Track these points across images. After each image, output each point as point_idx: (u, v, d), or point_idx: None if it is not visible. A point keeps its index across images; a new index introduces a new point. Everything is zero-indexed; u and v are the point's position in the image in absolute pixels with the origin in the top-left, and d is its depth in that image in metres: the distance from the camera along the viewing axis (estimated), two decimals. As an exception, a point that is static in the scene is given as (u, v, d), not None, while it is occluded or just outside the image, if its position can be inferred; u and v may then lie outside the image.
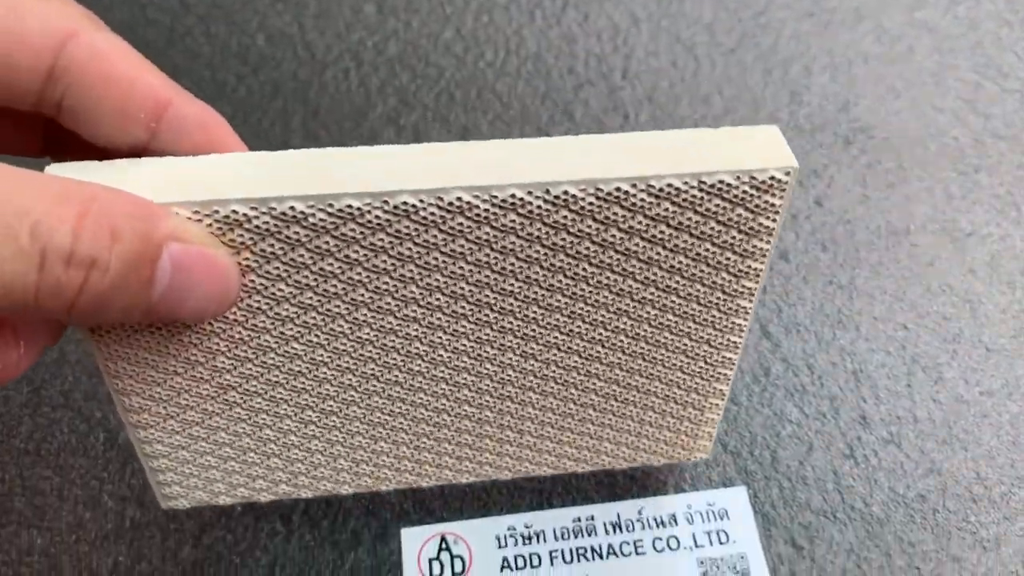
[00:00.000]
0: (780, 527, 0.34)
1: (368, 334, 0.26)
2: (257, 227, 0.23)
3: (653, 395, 0.30)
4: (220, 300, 0.23)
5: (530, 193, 0.23)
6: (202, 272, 0.22)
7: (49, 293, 0.19)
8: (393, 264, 0.24)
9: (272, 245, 0.23)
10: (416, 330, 0.26)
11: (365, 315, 0.26)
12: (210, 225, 0.23)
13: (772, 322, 0.39)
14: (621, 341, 0.28)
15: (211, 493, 0.30)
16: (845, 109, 0.46)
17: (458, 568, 0.33)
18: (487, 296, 0.26)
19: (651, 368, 0.29)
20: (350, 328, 0.26)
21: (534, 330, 0.27)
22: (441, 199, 0.23)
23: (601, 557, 0.33)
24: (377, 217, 0.23)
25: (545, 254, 0.25)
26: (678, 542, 0.33)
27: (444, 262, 0.24)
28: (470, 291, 0.25)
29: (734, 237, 0.25)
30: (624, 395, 0.30)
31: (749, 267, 0.26)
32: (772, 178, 0.24)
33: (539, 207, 0.23)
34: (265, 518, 0.34)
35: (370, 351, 0.27)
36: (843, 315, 0.39)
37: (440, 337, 0.27)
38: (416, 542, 0.33)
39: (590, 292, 0.26)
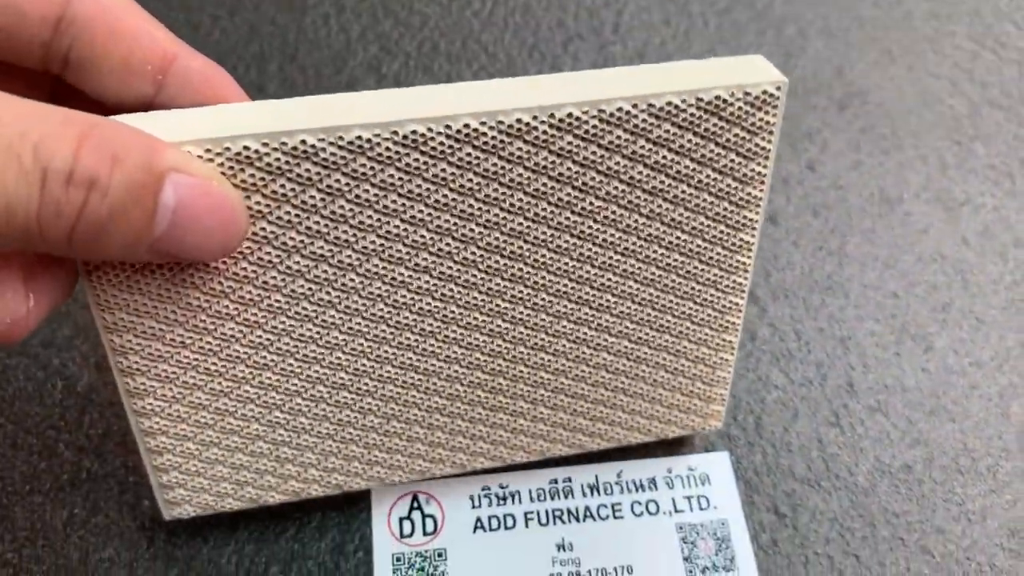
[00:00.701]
0: (763, 494, 0.33)
1: (379, 288, 0.26)
2: (268, 164, 0.23)
3: (664, 350, 0.30)
4: (226, 237, 0.22)
5: (535, 118, 0.24)
6: (207, 206, 0.21)
7: (50, 215, 0.19)
8: (403, 205, 0.24)
9: (283, 186, 0.23)
10: (427, 283, 0.26)
11: (376, 266, 0.25)
12: (220, 165, 0.22)
13: (760, 286, 0.38)
14: (630, 287, 0.28)
15: (217, 495, 0.29)
16: (840, 73, 0.45)
17: (429, 528, 0.31)
18: (497, 239, 0.26)
19: (661, 318, 0.29)
20: (361, 283, 0.25)
21: (545, 278, 0.27)
22: (449, 127, 0.23)
23: (578, 520, 0.32)
24: (387, 149, 0.23)
25: (552, 187, 0.25)
26: (657, 506, 0.32)
27: (454, 200, 0.25)
28: (480, 233, 0.25)
29: (733, 161, 0.26)
30: (636, 352, 0.29)
31: (750, 195, 0.27)
32: (765, 92, 0.25)
33: (545, 132, 0.24)
34: (229, 472, 0.32)
35: (382, 310, 0.26)
36: (832, 281, 0.38)
37: (452, 290, 0.26)
38: (387, 501, 0.32)
39: (598, 230, 0.26)
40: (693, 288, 0.28)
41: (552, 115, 0.24)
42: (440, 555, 0.31)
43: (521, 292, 0.27)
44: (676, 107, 0.24)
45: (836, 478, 0.33)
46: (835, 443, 0.34)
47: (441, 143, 0.23)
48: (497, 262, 0.26)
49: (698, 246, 0.27)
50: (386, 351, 0.27)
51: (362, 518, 0.32)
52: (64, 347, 0.35)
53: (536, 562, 0.31)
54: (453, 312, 0.27)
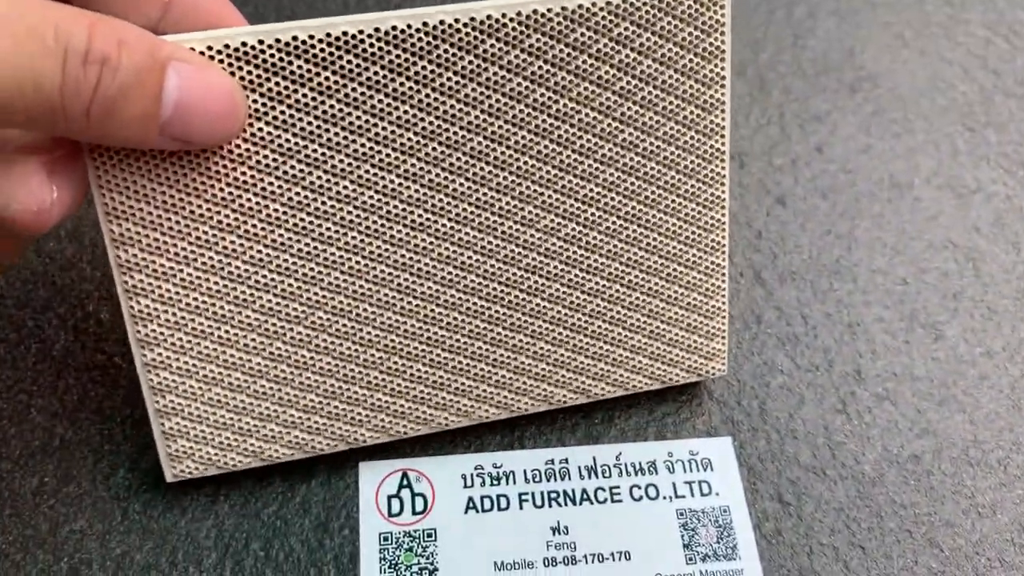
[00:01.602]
0: (766, 481, 0.32)
1: (372, 199, 0.27)
2: (263, 62, 0.25)
3: (654, 286, 0.31)
4: (229, 118, 0.24)
5: (504, 15, 0.26)
6: (208, 88, 0.23)
7: (71, 91, 0.21)
8: (389, 104, 0.26)
9: (278, 84, 0.25)
10: (418, 192, 0.27)
11: (368, 172, 0.27)
12: (220, 63, 0.24)
13: (766, 268, 0.37)
14: (614, 223, 0.29)
15: (220, 448, 0.28)
16: (850, 56, 0.44)
17: (419, 507, 0.30)
18: (480, 144, 0.27)
19: (645, 239, 0.30)
20: (354, 191, 0.27)
21: (530, 189, 0.28)
22: (426, 24, 0.26)
23: (574, 502, 0.30)
24: (371, 46, 0.25)
25: (526, 87, 0.27)
26: (657, 491, 0.31)
27: (436, 100, 0.26)
28: (463, 137, 0.27)
29: (692, 61, 0.28)
30: (628, 282, 0.30)
31: (713, 97, 0.29)
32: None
33: (514, 29, 0.26)
34: (210, 443, 0.31)
35: (376, 223, 0.27)
36: (840, 265, 0.37)
37: (442, 200, 0.28)
38: (375, 477, 0.30)
39: (574, 135, 0.28)
40: (674, 203, 0.30)
41: (519, 12, 0.26)
42: (430, 535, 0.29)
43: (510, 205, 0.28)
44: (632, 4, 0.27)
45: (842, 467, 0.32)
46: (842, 431, 0.33)
47: (420, 39, 0.26)
48: (482, 169, 0.28)
49: (673, 154, 0.29)
50: (383, 271, 0.28)
51: (348, 495, 0.30)
52: (40, 308, 0.33)
53: (530, 545, 0.29)
54: (445, 227, 0.28)
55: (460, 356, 0.29)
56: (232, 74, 0.25)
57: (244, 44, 0.25)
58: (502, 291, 0.29)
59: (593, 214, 0.29)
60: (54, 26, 0.21)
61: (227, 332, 0.27)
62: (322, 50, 0.25)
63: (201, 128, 0.24)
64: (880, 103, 0.43)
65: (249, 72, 0.25)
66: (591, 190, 0.29)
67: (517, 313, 0.30)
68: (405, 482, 0.30)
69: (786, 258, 0.37)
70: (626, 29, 0.27)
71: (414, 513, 0.30)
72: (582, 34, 0.27)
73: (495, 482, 0.31)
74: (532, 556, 0.29)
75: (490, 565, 0.29)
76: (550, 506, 0.30)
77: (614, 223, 0.29)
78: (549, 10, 0.26)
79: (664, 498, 0.31)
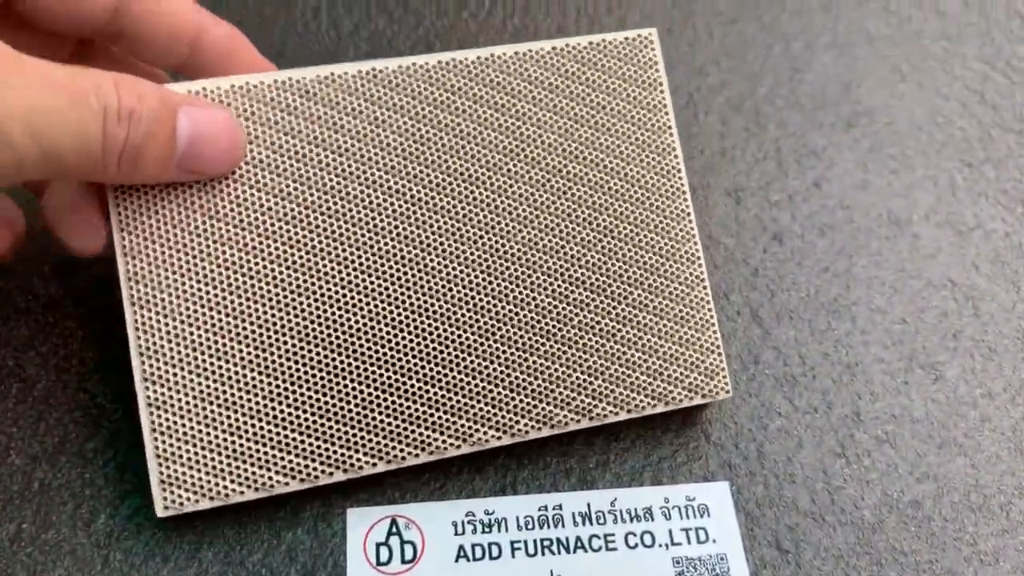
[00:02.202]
0: (764, 527, 0.31)
1: (362, 212, 0.30)
2: (260, 95, 0.29)
3: (641, 308, 0.32)
4: (232, 150, 0.28)
5: (466, 58, 0.31)
6: (214, 126, 0.27)
7: (109, 146, 0.25)
8: (371, 130, 0.30)
9: (271, 113, 0.29)
10: (405, 207, 0.30)
11: (355, 189, 0.30)
12: (224, 95, 0.29)
13: (763, 306, 0.36)
14: (590, 239, 0.32)
15: (215, 474, 0.28)
16: (848, 90, 0.44)
17: (408, 555, 0.29)
18: (457, 166, 0.31)
19: (627, 278, 0.32)
20: (343, 207, 0.29)
21: (514, 209, 0.31)
22: (401, 65, 0.30)
23: (568, 550, 0.30)
24: (352, 78, 0.30)
25: (491, 116, 0.31)
26: (653, 538, 0.30)
27: (412, 126, 0.30)
28: (441, 158, 0.30)
29: (637, 92, 0.33)
30: (618, 302, 0.31)
31: (661, 121, 0.33)
32: (640, 35, 0.33)
33: (474, 66, 0.31)
34: (194, 488, 0.30)
35: (367, 236, 0.30)
36: (839, 304, 0.37)
37: (427, 217, 0.30)
38: (363, 524, 0.30)
39: (544, 157, 0.31)
40: (644, 217, 0.32)
41: (479, 56, 0.31)
42: (419, 585, 0.29)
43: (503, 223, 0.31)
44: (573, 48, 0.32)
45: (841, 512, 0.32)
46: (840, 475, 0.32)
47: (392, 73, 0.30)
48: (461, 191, 0.31)
49: (634, 173, 0.32)
50: (375, 283, 0.30)
51: (335, 543, 0.29)
52: (21, 347, 0.33)
53: (522, 595, 0.29)
54: (432, 239, 0.30)
55: (456, 372, 0.30)
56: (229, 105, 0.29)
57: (236, 82, 0.29)
58: (494, 305, 0.30)
59: (572, 251, 0.31)
60: (95, 89, 0.25)
61: (223, 344, 0.28)
62: (310, 82, 0.30)
63: (211, 159, 0.28)
64: (877, 138, 0.42)
65: (244, 103, 0.29)
66: (567, 227, 0.31)
67: (507, 328, 0.30)
68: (394, 529, 0.30)
69: (783, 296, 0.37)
70: (575, 68, 0.32)
71: (403, 562, 0.29)
72: (534, 70, 0.32)
73: (487, 529, 0.30)
74: (524, 607, 0.29)
75: (481, 616, 0.28)
76: (543, 554, 0.30)
77: (595, 259, 0.31)
78: (505, 53, 0.31)
79: (660, 546, 0.30)
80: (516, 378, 0.30)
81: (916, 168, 0.41)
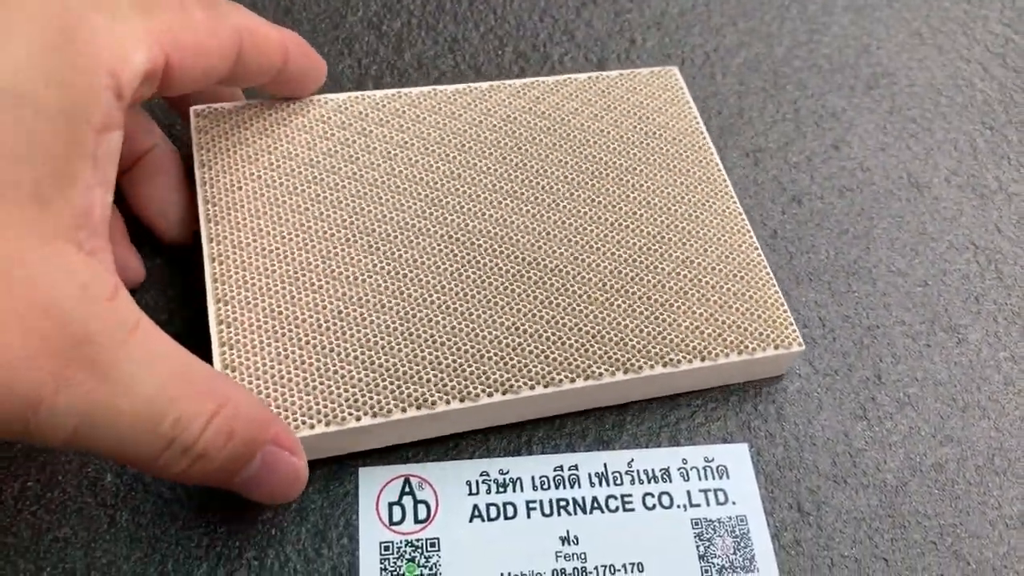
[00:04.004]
0: (784, 490, 0.30)
1: (439, 198, 0.33)
2: (336, 106, 0.34)
3: (702, 263, 0.33)
4: (286, 495, 0.27)
5: (514, 83, 0.36)
6: (282, 473, 0.26)
7: (159, 468, 0.23)
8: (436, 133, 0.34)
9: (349, 119, 0.34)
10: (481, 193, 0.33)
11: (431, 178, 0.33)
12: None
13: (782, 268, 0.35)
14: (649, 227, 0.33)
15: (286, 411, 0.28)
16: (866, 52, 0.43)
17: (422, 515, 0.29)
18: (519, 160, 0.34)
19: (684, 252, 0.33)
20: (420, 190, 0.33)
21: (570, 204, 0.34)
22: (457, 87, 0.36)
23: (584, 511, 0.29)
24: (416, 96, 0.35)
25: (539, 123, 0.36)
26: (671, 499, 0.30)
27: (474, 129, 0.35)
28: (507, 156, 0.34)
29: (663, 105, 0.37)
30: (679, 264, 0.33)
31: (691, 126, 0.36)
32: (663, 69, 0.38)
33: (523, 88, 0.36)
34: (202, 447, 0.29)
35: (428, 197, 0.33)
36: (859, 266, 0.36)
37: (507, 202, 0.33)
38: (375, 483, 0.29)
39: (594, 172, 0.35)
40: (700, 221, 0.34)
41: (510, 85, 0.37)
42: (433, 545, 0.28)
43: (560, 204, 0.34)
44: (600, 76, 0.37)
45: (863, 475, 0.31)
46: (862, 437, 0.32)
47: (450, 93, 0.36)
48: (524, 180, 0.34)
49: (675, 168, 0.35)
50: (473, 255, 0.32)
51: (347, 502, 0.29)
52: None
53: (538, 556, 0.28)
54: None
55: (533, 322, 0.30)
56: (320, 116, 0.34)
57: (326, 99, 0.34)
58: (571, 271, 0.32)
59: (632, 228, 0.33)
60: (175, 417, 0.22)
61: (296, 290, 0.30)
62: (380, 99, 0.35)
63: (258, 495, 0.26)
64: (897, 100, 0.41)
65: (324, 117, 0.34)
66: (625, 208, 0.34)
67: (582, 288, 0.31)
68: (407, 489, 0.29)
69: (802, 258, 0.36)
70: (602, 90, 0.37)
71: (416, 521, 0.28)
72: (566, 95, 0.36)
73: (501, 489, 0.29)
74: (540, 567, 0.28)
75: (496, 577, 0.28)
76: (559, 515, 0.29)
77: (655, 234, 0.33)
78: (529, 83, 0.36)
79: (678, 506, 0.29)
80: (594, 330, 0.30)
81: (936, 131, 0.40)
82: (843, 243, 0.36)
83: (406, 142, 0.34)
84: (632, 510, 0.29)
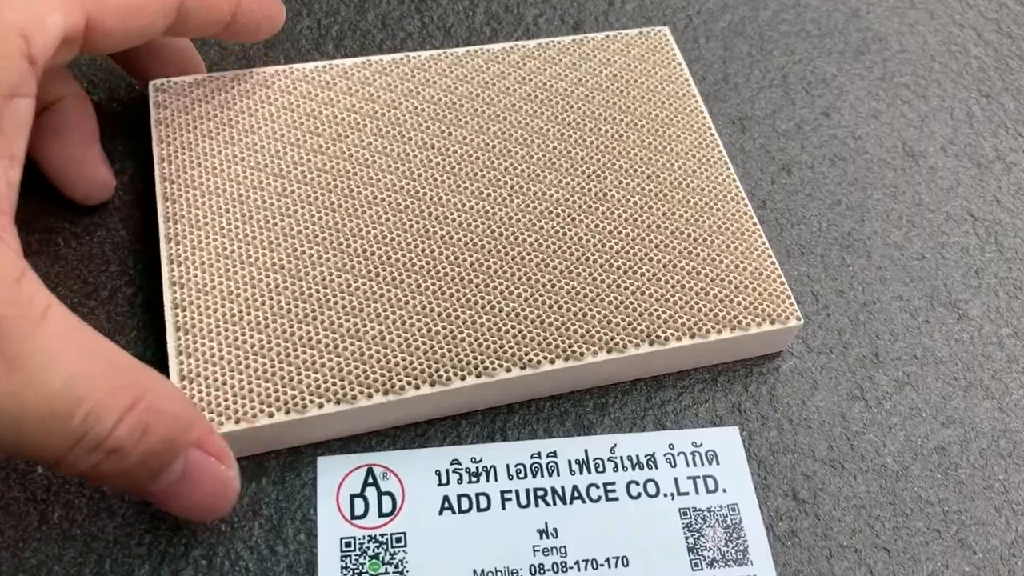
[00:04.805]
0: (779, 476, 0.28)
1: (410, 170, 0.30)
2: (302, 76, 0.32)
3: (694, 233, 0.30)
4: (213, 509, 0.24)
5: (491, 48, 0.34)
6: (207, 483, 0.23)
7: (68, 464, 0.21)
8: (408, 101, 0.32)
9: (311, 88, 0.32)
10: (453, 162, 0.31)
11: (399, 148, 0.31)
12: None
13: (772, 241, 0.33)
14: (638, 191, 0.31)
15: (244, 399, 0.25)
16: (856, 16, 0.41)
17: (387, 508, 0.26)
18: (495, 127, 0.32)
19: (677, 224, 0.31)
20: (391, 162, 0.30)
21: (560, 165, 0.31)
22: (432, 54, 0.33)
23: (564, 501, 0.27)
24: (387, 63, 0.33)
25: (518, 88, 0.33)
26: (657, 487, 0.27)
27: (449, 97, 0.32)
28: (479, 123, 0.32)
29: (652, 68, 0.34)
30: (669, 233, 0.30)
31: (682, 89, 0.34)
32: (653, 29, 0.36)
33: (502, 53, 0.34)
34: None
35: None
36: (853, 239, 0.34)
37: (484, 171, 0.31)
38: (335, 474, 0.27)
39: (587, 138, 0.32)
40: (691, 188, 0.32)
41: (516, 48, 0.34)
42: (399, 540, 0.26)
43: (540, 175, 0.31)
44: (589, 38, 0.35)
45: (862, 459, 0.29)
46: (860, 420, 0.30)
47: (424, 59, 0.34)
48: (500, 148, 0.32)
49: (667, 131, 0.33)
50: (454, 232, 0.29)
51: (304, 494, 0.26)
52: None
53: (514, 550, 0.26)
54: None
55: (510, 301, 0.28)
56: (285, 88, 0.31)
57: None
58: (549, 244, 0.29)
59: (619, 196, 0.31)
60: (86, 411, 0.20)
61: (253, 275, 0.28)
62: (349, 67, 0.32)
63: (178, 508, 0.23)
64: (889, 67, 0.39)
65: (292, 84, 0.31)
66: (609, 176, 0.31)
67: (552, 260, 0.29)
68: (370, 479, 0.27)
69: (794, 230, 0.34)
70: (593, 52, 0.34)
71: (381, 515, 0.26)
72: (559, 58, 0.34)
73: (474, 479, 0.27)
74: (517, 563, 0.26)
75: (469, 574, 0.25)
76: (537, 505, 0.27)
77: (642, 202, 0.31)
78: (524, 45, 0.34)
79: (665, 495, 0.27)
80: (576, 307, 0.28)
81: (931, 98, 0.38)
82: (836, 214, 0.34)
83: (376, 112, 0.31)
84: (616, 499, 0.27)
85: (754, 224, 0.31)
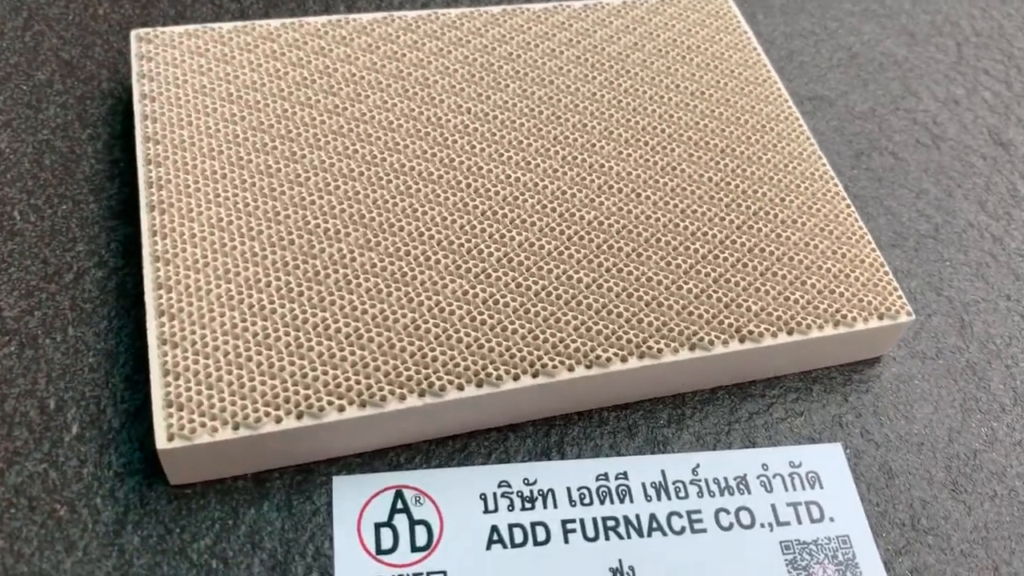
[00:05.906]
0: (893, 502, 0.23)
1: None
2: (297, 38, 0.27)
3: (782, 213, 0.26)
4: None
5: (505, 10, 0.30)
6: None
7: None
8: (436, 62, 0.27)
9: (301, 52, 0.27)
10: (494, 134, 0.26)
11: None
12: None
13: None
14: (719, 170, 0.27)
15: (218, 421, 0.20)
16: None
17: (421, 540, 0.21)
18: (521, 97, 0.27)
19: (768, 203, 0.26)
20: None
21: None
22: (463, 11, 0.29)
23: (640, 533, 0.22)
24: (413, 19, 0.28)
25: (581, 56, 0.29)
26: (752, 516, 0.22)
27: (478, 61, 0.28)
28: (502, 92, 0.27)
29: (715, 34, 0.30)
30: (755, 213, 0.26)
31: (751, 57, 0.30)
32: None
33: (544, 13, 0.30)
34: (115, 449, 0.21)
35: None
36: (946, 232, 0.29)
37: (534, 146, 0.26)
38: (356, 497, 0.21)
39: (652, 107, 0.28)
40: (774, 165, 0.27)
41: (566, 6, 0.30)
42: (437, 581, 0.20)
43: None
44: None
45: (986, 483, 0.24)
46: (978, 436, 0.25)
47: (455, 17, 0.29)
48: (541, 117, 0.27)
49: (748, 112, 0.28)
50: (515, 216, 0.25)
51: (317, 522, 0.21)
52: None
53: (584, 594, 0.20)
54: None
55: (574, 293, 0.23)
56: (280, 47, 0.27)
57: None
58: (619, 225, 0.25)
59: (689, 171, 0.27)
60: None
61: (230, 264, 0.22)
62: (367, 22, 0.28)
63: None
64: (964, 51, 0.35)
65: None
66: (676, 149, 0.27)
67: (616, 242, 0.24)
68: (400, 504, 0.21)
69: (880, 220, 0.29)
70: (645, 15, 0.30)
71: (414, 549, 0.21)
72: (611, 21, 0.30)
73: (528, 504, 0.22)
74: (587, 610, 0.20)
75: (526, 624, 0.20)
76: (607, 538, 0.21)
77: (718, 178, 0.27)
78: (568, 5, 0.30)
79: (763, 525, 0.22)
80: (648, 296, 0.23)
81: (1013, 84, 0.34)
82: (924, 204, 0.30)
83: (401, 72, 0.27)
84: (703, 531, 0.22)
85: (847, 206, 0.26)
